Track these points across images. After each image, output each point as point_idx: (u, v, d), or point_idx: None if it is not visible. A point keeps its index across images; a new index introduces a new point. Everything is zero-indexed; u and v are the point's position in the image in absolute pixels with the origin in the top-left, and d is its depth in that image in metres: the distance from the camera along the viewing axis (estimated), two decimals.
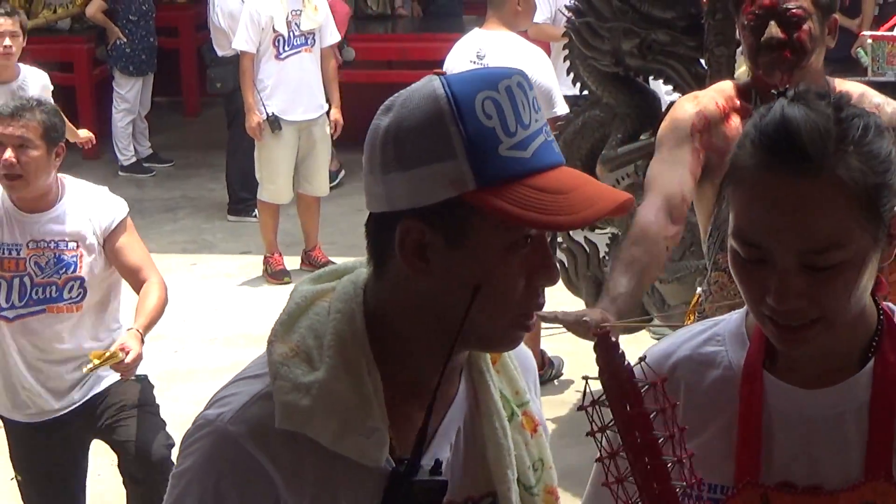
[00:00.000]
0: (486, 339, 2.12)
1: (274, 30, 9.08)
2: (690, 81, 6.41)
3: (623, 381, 1.96)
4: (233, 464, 2.12)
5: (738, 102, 3.94)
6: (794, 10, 3.81)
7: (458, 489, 2.24)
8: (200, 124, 12.67)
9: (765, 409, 2.09)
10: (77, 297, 5.51)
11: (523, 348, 2.44)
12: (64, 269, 5.55)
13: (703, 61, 6.52)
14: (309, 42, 9.18)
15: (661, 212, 3.88)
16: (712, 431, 2.13)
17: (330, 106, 9.49)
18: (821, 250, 1.93)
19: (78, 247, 5.50)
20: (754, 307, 2.03)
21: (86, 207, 5.60)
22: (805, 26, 3.77)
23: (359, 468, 2.12)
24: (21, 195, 5.50)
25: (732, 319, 2.24)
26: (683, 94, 5.94)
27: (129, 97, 11.55)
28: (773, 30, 3.78)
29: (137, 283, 5.55)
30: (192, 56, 12.96)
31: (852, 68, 9.11)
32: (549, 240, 2.22)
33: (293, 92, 8.91)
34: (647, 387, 1.97)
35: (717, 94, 4.04)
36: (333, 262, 8.87)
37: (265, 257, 9.28)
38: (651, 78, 6.66)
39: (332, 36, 9.50)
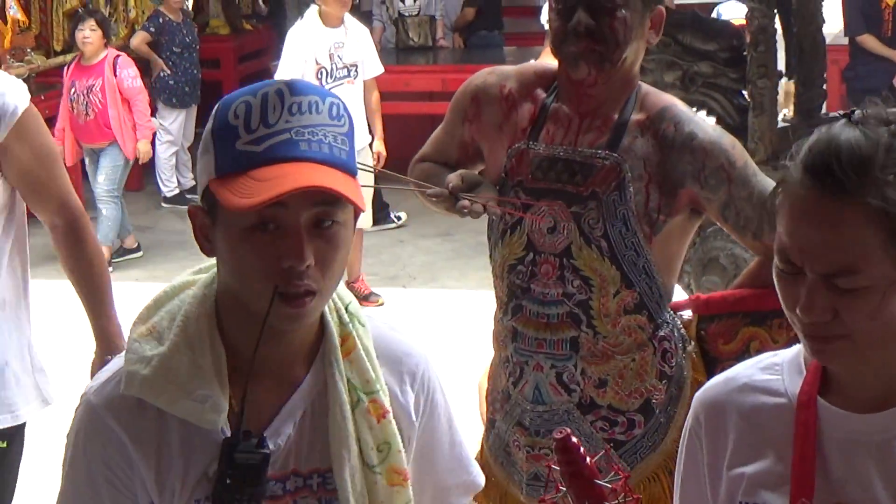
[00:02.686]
0: (263, 316, 2.28)
1: (317, 62, 9.15)
2: (732, 113, 6.40)
3: (585, 483, 2.00)
4: (94, 431, 2.43)
5: (536, 91, 3.59)
6: None
7: (305, 462, 2.50)
8: None
9: (819, 434, 2.11)
10: None
11: (404, 347, 2.71)
12: None
13: (745, 93, 6.46)
14: (351, 74, 9.22)
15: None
16: (770, 456, 2.16)
17: (373, 137, 9.50)
18: (839, 273, 1.96)
19: None
20: (789, 316, 2.07)
21: None
22: (619, 14, 3.37)
23: (198, 433, 2.38)
24: None
25: (791, 350, 2.25)
26: (725, 126, 6.02)
27: (173, 129, 11.61)
28: (582, 15, 3.38)
29: (55, 219, 3.88)
30: (234, 88, 12.79)
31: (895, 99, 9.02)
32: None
33: None
34: (608, 484, 2.00)
35: (514, 78, 3.66)
36: (376, 294, 9.17)
37: None
38: (693, 109, 6.38)
39: (375, 68, 9.56)
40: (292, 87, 2.37)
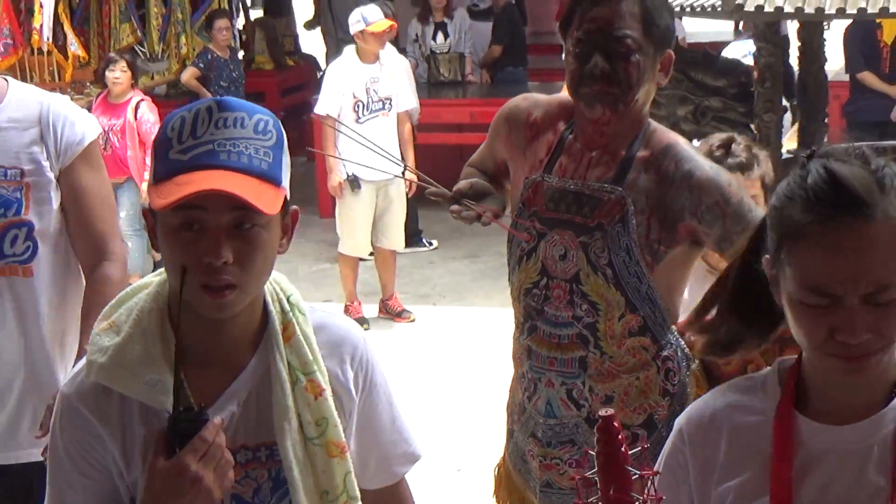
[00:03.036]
0: (191, 304, 2.49)
1: (353, 96, 9.18)
2: (740, 133, 6.38)
3: (617, 467, 2.04)
4: (68, 417, 2.62)
5: (558, 123, 3.67)
6: (623, 39, 3.43)
7: (253, 436, 2.66)
8: (293, 176, 12.80)
9: (799, 446, 2.14)
10: (24, 253, 3.63)
11: (342, 332, 2.89)
12: (1, 210, 3.60)
13: (752, 126, 6.54)
14: (386, 107, 9.24)
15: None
16: (753, 470, 2.19)
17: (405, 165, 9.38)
18: (879, 290, 2.01)
19: (23, 176, 3.63)
20: (819, 346, 2.07)
21: (38, 115, 3.69)
22: (633, 59, 3.41)
23: (151, 412, 2.56)
24: None
25: (762, 372, 2.30)
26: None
27: None
28: (598, 60, 3.40)
29: (91, 257, 3.69)
30: (287, 121, 13.01)
31: (892, 132, 9.10)
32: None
33: (372, 153, 9.01)
34: (636, 475, 2.03)
35: (542, 107, 3.75)
36: (408, 311, 9.26)
37: (345, 306, 9.31)
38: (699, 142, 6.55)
39: (407, 102, 9.55)
40: (221, 104, 2.54)
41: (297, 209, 2.77)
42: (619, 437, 2.05)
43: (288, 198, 2.66)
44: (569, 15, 3.50)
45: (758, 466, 2.16)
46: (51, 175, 3.63)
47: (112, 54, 10.85)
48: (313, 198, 11.44)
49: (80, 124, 3.73)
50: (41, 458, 3.29)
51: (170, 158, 2.51)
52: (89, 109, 9.75)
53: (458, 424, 7.29)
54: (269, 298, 2.73)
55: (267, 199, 2.54)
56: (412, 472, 6.69)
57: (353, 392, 2.81)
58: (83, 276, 3.72)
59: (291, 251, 9.43)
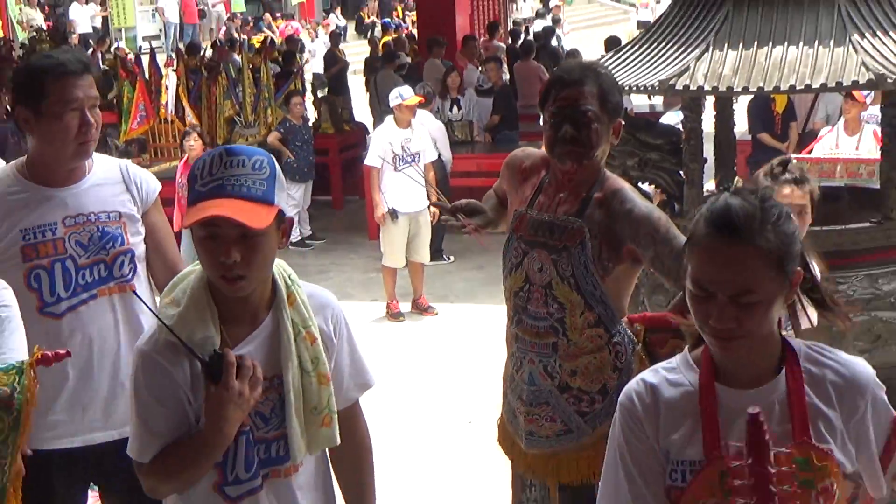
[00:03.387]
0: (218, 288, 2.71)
1: (392, 151, 9.17)
2: (673, 186, 6.39)
3: (760, 448, 2.08)
4: (146, 366, 2.73)
5: (541, 171, 3.66)
6: (586, 112, 3.37)
7: (268, 370, 2.78)
8: (343, 214, 12.73)
9: (719, 406, 2.17)
10: (129, 273, 3.62)
11: (324, 299, 3.03)
12: (111, 243, 3.58)
13: (682, 172, 6.33)
14: (416, 159, 9.19)
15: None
16: (685, 427, 2.20)
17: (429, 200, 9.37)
18: (741, 294, 2.06)
19: (120, 217, 3.63)
20: (701, 327, 2.14)
21: (120, 175, 3.70)
22: (593, 127, 3.37)
23: (199, 362, 2.70)
24: (60, 169, 3.56)
25: (679, 356, 2.32)
26: (667, 195, 6.28)
27: (296, 196, 11.54)
28: (567, 128, 3.37)
29: (166, 275, 3.55)
30: (338, 170, 13.05)
31: None
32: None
33: (405, 193, 8.99)
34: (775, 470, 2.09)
35: (531, 158, 3.78)
36: (433, 307, 9.32)
37: (387, 304, 9.34)
38: (646, 184, 6.40)
39: (430, 155, 9.54)
40: (229, 151, 2.73)
41: (291, 218, 2.94)
42: (764, 428, 2.08)
43: (284, 212, 2.79)
44: (545, 94, 3.49)
45: (690, 424, 2.18)
46: (138, 216, 3.65)
47: (188, 128, 10.90)
48: (364, 225, 11.38)
49: (152, 181, 3.77)
50: None
51: (195, 190, 2.67)
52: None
53: (469, 388, 7.24)
54: (277, 277, 2.85)
55: (259, 217, 2.66)
56: (434, 422, 6.69)
57: (334, 339, 2.95)
58: (156, 288, 3.70)
59: (348, 264, 9.45)
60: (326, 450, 3.03)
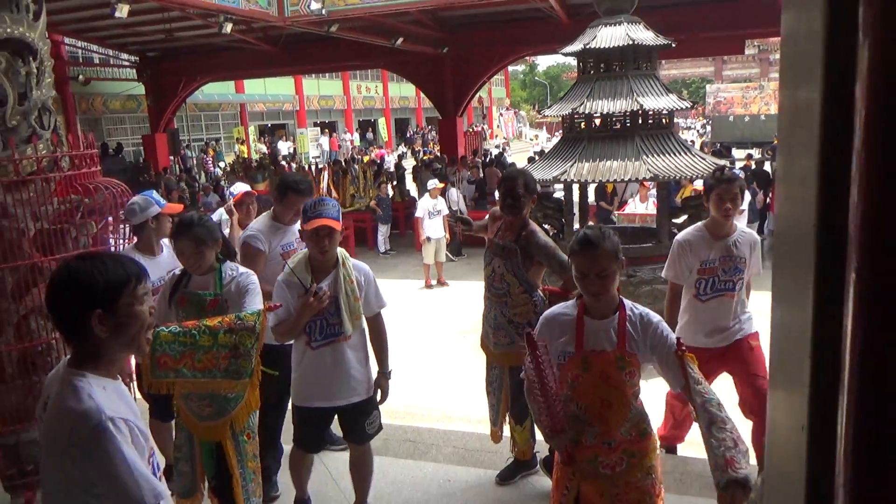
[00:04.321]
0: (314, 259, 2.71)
1: (428, 210, 8.87)
2: (559, 226, 6.26)
3: (536, 353, 1.97)
4: (282, 285, 2.77)
5: (500, 220, 3.35)
6: (517, 192, 3.12)
7: (333, 292, 2.71)
8: (404, 239, 12.22)
9: (584, 327, 2.06)
10: None
11: (361, 265, 2.85)
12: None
13: (563, 220, 6.25)
14: (439, 214, 8.88)
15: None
16: (567, 335, 2.07)
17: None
18: (601, 272, 1.99)
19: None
20: (584, 291, 2.03)
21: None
22: (521, 199, 3.14)
23: (304, 290, 2.67)
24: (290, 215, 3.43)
25: (570, 302, 2.16)
26: (556, 231, 6.18)
27: (383, 231, 11.20)
28: (509, 200, 3.15)
29: None
30: (402, 216, 12.50)
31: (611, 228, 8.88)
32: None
33: (434, 229, 8.84)
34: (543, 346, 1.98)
35: (498, 213, 3.37)
36: (447, 282, 8.91)
37: (425, 281, 9.03)
38: (546, 225, 6.29)
39: (444, 212, 9.07)
40: (321, 199, 2.72)
41: (346, 228, 2.99)
42: (536, 343, 1.97)
43: (341, 225, 2.73)
44: (500, 184, 3.28)
45: (568, 335, 2.07)
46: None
47: (334, 198, 10.51)
48: (413, 244, 10.85)
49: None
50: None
51: (307, 216, 2.67)
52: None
53: (464, 319, 7.06)
54: (338, 254, 2.77)
55: (336, 225, 2.68)
56: (439, 331, 6.40)
57: (363, 283, 2.83)
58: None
59: (406, 262, 9.06)
60: (366, 332, 2.89)
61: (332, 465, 3.72)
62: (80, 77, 16.14)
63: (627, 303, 2.10)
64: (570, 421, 2.05)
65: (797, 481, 0.63)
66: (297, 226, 3.32)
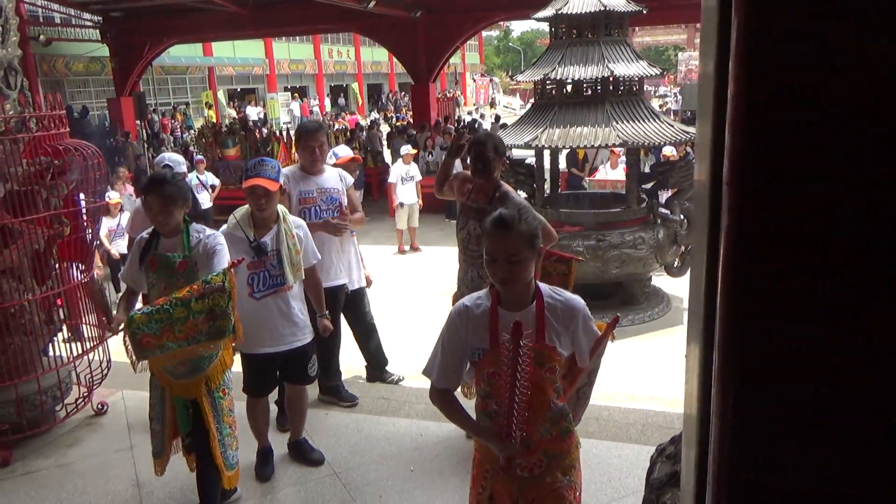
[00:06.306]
0: (254, 214, 2.85)
1: (401, 176, 8.75)
2: (531, 190, 6.23)
3: (517, 339, 1.81)
4: (226, 237, 2.78)
5: (470, 183, 3.32)
6: (487, 156, 3.09)
7: (275, 247, 2.82)
8: (378, 205, 12.11)
9: (499, 320, 1.87)
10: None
11: (299, 221, 2.97)
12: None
13: (535, 185, 6.14)
14: (412, 179, 8.84)
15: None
16: (482, 331, 1.88)
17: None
18: (512, 257, 1.80)
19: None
20: (493, 277, 1.84)
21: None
22: (492, 162, 3.10)
23: (245, 241, 2.79)
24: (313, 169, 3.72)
25: (483, 291, 1.95)
26: (528, 195, 6.14)
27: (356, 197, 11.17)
28: (479, 164, 3.14)
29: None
30: (375, 183, 12.32)
31: (580, 194, 8.89)
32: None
33: (407, 195, 8.82)
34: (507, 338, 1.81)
35: (466, 177, 3.34)
36: (420, 248, 8.89)
37: (398, 246, 9.02)
38: (519, 190, 5.94)
39: (418, 178, 9.01)
40: (262, 159, 2.82)
41: (285, 186, 3.08)
42: (521, 330, 1.80)
43: (284, 187, 2.86)
44: (470, 147, 3.26)
45: (483, 329, 1.88)
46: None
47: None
48: (386, 209, 10.72)
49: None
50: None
51: (247, 175, 2.77)
52: None
53: (437, 282, 7.09)
54: (278, 210, 2.88)
55: (272, 185, 2.76)
56: (414, 295, 6.40)
57: (303, 239, 2.95)
58: None
59: (378, 227, 8.93)
60: (302, 283, 3.03)
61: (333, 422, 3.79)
62: (42, 37, 15.46)
63: (546, 290, 1.90)
64: (482, 419, 1.89)
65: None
66: (323, 173, 3.67)
